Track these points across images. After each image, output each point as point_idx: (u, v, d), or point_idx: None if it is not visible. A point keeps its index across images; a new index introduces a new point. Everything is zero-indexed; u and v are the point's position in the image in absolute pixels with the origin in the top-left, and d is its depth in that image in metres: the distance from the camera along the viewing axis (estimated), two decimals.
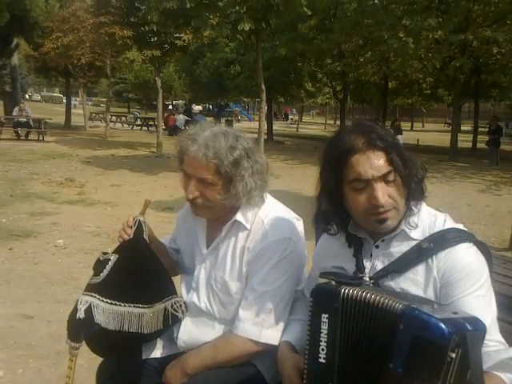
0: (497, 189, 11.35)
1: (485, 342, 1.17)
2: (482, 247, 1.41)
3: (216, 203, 1.67)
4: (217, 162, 1.59)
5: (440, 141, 23.85)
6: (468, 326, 1.10)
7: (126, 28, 14.17)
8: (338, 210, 1.42)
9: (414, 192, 1.37)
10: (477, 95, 23.24)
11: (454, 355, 1.06)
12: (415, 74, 24.91)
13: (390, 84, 27.02)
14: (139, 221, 1.77)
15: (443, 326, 1.06)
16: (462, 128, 30.96)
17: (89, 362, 1.88)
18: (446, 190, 10.78)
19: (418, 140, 21.75)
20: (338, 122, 29.19)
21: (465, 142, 21.71)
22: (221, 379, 1.64)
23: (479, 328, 1.13)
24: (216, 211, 1.70)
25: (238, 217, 1.71)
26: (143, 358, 1.82)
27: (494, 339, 1.26)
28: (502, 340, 1.33)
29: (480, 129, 23.00)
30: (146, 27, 14.29)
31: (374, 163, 1.32)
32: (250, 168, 1.66)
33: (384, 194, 1.32)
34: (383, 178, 1.32)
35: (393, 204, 1.34)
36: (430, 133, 34.38)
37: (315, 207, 1.48)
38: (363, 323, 1.23)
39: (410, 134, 27.43)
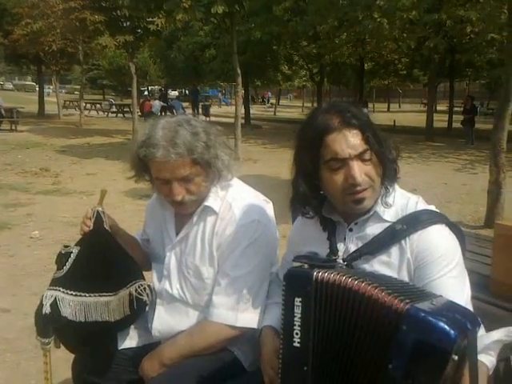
0: (472, 167, 11.49)
1: None
2: (455, 228, 1.41)
3: (202, 192, 1.66)
4: (192, 154, 1.57)
5: (416, 121, 24.02)
6: (468, 324, 1.08)
7: (97, 13, 13.86)
8: (315, 192, 1.41)
9: (388, 171, 1.37)
10: (452, 75, 23.41)
11: (456, 358, 1.04)
12: (390, 55, 24.97)
13: (365, 65, 27.04)
14: (98, 211, 1.75)
15: (450, 330, 1.03)
16: (438, 108, 31.25)
17: (68, 354, 1.86)
18: (423, 169, 10.89)
19: (394, 121, 21.87)
20: (316, 105, 29.18)
21: (441, 121, 21.90)
22: (198, 367, 1.63)
23: (477, 324, 1.12)
24: (202, 199, 1.69)
25: (208, 202, 1.69)
26: (118, 348, 1.80)
27: None
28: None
29: (455, 108, 23.20)
30: (118, 12, 14.02)
31: (350, 142, 1.31)
32: (216, 142, 1.65)
33: (361, 172, 1.31)
34: (359, 157, 1.32)
35: (369, 182, 1.34)
36: (407, 113, 34.59)
37: (291, 191, 1.46)
38: (342, 308, 1.21)
39: (387, 115, 27.57)
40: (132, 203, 7.30)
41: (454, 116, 21.93)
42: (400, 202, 1.42)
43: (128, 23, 15.08)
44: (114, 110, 29.12)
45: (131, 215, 6.12)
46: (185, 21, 11.12)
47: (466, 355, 1.08)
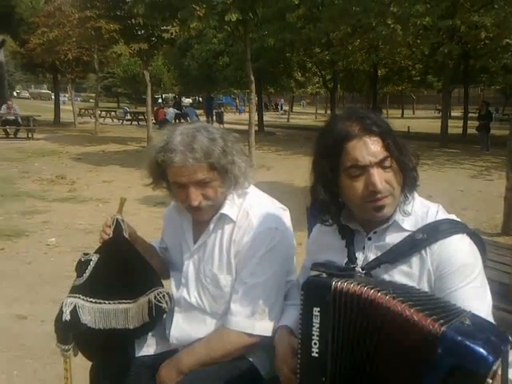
0: (488, 174, 11.38)
1: None
2: (476, 238, 1.40)
3: (219, 198, 1.67)
4: (209, 159, 1.58)
5: (430, 127, 23.86)
6: (502, 346, 1.06)
7: (112, 22, 14.01)
8: (334, 199, 1.41)
9: (408, 179, 1.37)
10: (466, 81, 23.26)
11: (491, 381, 1.01)
12: (404, 61, 24.89)
13: (379, 72, 26.97)
14: (117, 219, 1.77)
15: (488, 355, 1.00)
16: (453, 114, 31.04)
17: (85, 361, 1.87)
18: (438, 176, 10.80)
19: (408, 127, 21.74)
20: (329, 112, 29.14)
21: (455, 127, 21.73)
22: (215, 375, 1.62)
23: (509, 344, 1.09)
24: (218, 206, 1.70)
25: (225, 210, 1.70)
26: (136, 355, 1.81)
27: None
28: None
29: (470, 114, 23.03)
30: (133, 20, 14.14)
31: (370, 149, 1.31)
32: (233, 149, 1.66)
33: (381, 179, 1.31)
34: (380, 164, 1.31)
35: (390, 190, 1.33)
36: (421, 119, 34.41)
37: (310, 198, 1.46)
38: (363, 319, 1.19)
39: (401, 122, 27.44)
40: (147, 210, 7.34)
41: (468, 122, 21.76)
42: (420, 210, 1.41)
43: (142, 31, 15.21)
44: (129, 117, 29.40)
45: (146, 222, 6.15)
46: (199, 29, 11.20)
47: (498, 375, 1.05)
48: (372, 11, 14.07)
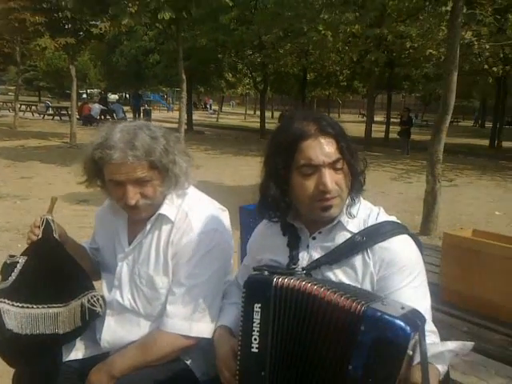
0: (408, 176, 11.92)
1: None
2: (414, 238, 1.45)
3: (157, 197, 1.62)
4: (150, 157, 1.54)
5: (355, 131, 24.54)
6: (418, 321, 1.14)
7: (38, 14, 13.39)
8: (284, 197, 1.41)
9: (356, 183, 1.41)
10: (390, 87, 24.25)
11: (411, 353, 1.10)
12: (333, 67, 25.54)
13: (308, 76, 27.52)
14: (47, 219, 1.67)
15: (406, 326, 1.09)
16: (376, 119, 32.20)
17: (7, 367, 1.75)
18: None
19: None
20: (258, 113, 29.38)
21: (378, 132, 22.57)
22: (149, 379, 1.58)
23: (424, 321, 1.18)
24: (157, 205, 1.65)
25: (163, 210, 1.66)
26: (63, 359, 1.73)
27: (427, 329, 1.28)
28: (434, 329, 1.38)
29: (392, 119, 24.05)
30: (60, 13, 13.59)
31: (325, 149, 1.33)
32: (175, 149, 1.63)
33: (332, 180, 1.33)
34: (332, 165, 1.34)
35: (338, 191, 1.36)
36: (346, 123, 35.30)
37: (260, 195, 1.46)
38: (301, 312, 1.24)
39: None
40: (69, 208, 7.05)
41: (390, 127, 22.71)
42: (363, 213, 1.45)
43: (70, 25, 14.66)
44: (51, 112, 28.09)
45: (69, 221, 5.90)
46: (130, 25, 10.94)
47: (417, 349, 1.13)
48: (304, 17, 14.33)
